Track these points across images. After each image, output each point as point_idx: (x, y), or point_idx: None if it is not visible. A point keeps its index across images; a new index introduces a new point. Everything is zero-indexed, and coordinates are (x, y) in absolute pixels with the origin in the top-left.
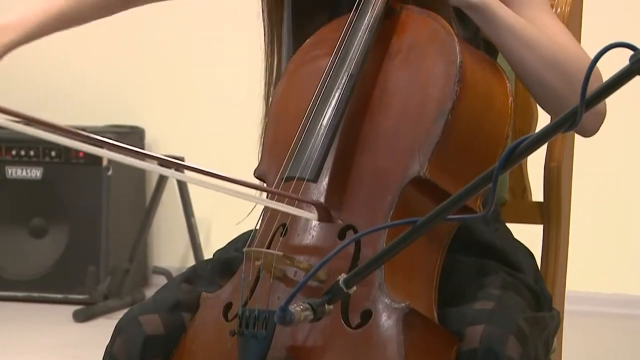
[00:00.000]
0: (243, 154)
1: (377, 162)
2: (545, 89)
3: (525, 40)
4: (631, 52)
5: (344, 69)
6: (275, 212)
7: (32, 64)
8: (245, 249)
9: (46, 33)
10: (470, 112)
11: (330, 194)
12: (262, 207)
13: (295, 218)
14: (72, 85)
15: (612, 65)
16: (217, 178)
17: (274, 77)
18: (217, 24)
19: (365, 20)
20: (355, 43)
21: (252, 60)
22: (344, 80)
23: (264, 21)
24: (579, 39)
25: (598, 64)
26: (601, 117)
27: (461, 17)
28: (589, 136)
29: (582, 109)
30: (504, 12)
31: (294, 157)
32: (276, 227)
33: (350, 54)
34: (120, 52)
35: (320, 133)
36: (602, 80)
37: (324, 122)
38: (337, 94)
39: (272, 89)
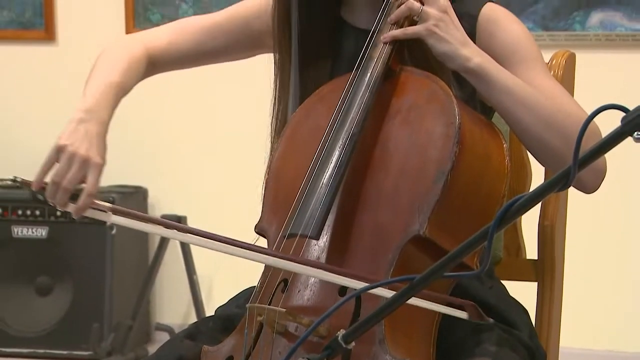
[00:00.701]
0: (244, 213)
1: (378, 220)
2: (545, 148)
3: (523, 101)
4: (622, 114)
5: (345, 128)
6: (278, 267)
7: (43, 130)
8: (248, 305)
9: (117, 105)
10: (468, 172)
11: (332, 251)
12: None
13: (297, 275)
14: None
15: (605, 124)
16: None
17: (279, 122)
18: (219, 86)
19: (366, 81)
20: (356, 103)
21: (253, 121)
22: (345, 139)
23: (274, 65)
24: None
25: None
26: (601, 174)
27: (458, 78)
28: (590, 192)
29: (575, 169)
30: (501, 75)
31: (296, 214)
32: (278, 282)
33: (352, 114)
34: (125, 117)
35: (322, 191)
36: (600, 137)
37: (326, 180)
38: (338, 153)
39: (277, 136)
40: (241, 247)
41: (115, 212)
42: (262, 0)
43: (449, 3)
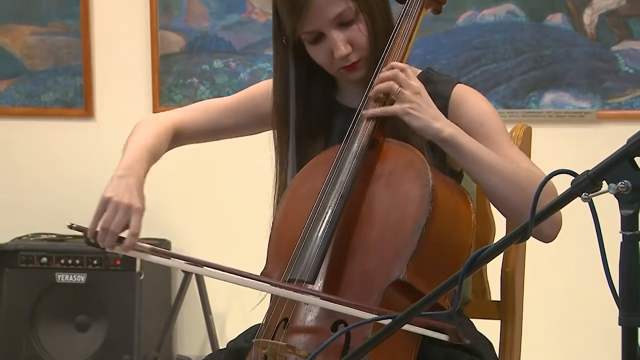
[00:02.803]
0: (256, 260)
1: (365, 266)
2: (508, 204)
3: (488, 165)
4: (572, 178)
5: (336, 190)
6: (279, 307)
7: (84, 192)
8: (254, 340)
9: (150, 165)
10: (441, 226)
11: (325, 293)
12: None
13: (295, 314)
14: None
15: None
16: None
17: (281, 185)
18: (233, 151)
19: (354, 150)
20: (345, 168)
21: (261, 181)
22: (336, 199)
23: (274, 141)
24: None
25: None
26: (558, 226)
27: (431, 146)
28: (548, 242)
29: (532, 225)
30: (470, 145)
31: (295, 262)
32: (279, 320)
33: (341, 178)
34: (150, 179)
35: (317, 242)
36: (557, 194)
37: (320, 233)
38: (330, 210)
39: (279, 197)
40: (248, 278)
41: (154, 252)
42: (269, 83)
43: (422, 85)
